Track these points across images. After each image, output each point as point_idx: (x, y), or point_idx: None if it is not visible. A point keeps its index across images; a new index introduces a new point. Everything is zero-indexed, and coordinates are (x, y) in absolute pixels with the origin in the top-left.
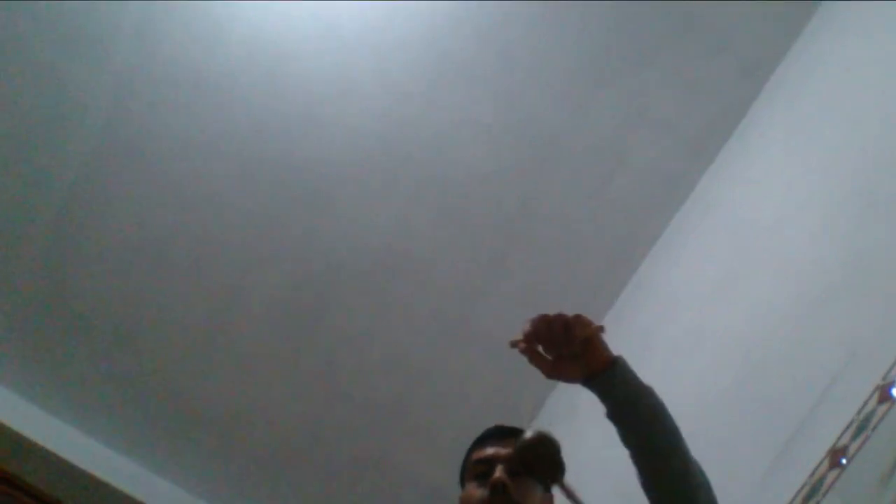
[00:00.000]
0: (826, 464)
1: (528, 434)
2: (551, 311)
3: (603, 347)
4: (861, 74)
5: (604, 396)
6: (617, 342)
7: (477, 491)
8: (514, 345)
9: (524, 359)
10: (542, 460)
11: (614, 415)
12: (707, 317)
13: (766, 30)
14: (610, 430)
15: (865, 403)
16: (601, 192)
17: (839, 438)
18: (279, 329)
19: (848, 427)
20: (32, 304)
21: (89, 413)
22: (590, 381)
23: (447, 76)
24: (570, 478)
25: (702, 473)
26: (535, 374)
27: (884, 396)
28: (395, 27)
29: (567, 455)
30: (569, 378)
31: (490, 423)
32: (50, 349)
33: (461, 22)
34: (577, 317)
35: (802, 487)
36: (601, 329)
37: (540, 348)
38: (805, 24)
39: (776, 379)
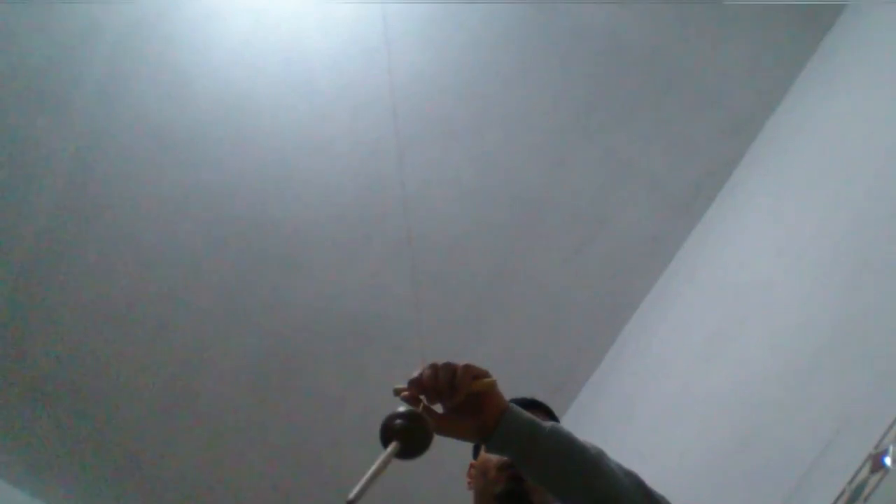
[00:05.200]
0: None
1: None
2: (530, 377)
3: (497, 400)
4: (852, 132)
5: (502, 450)
6: (599, 408)
7: (494, 456)
8: (397, 392)
9: None
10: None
11: (522, 470)
12: (692, 382)
13: (755, 86)
14: None
15: (858, 472)
16: (582, 253)
17: None
18: (247, 394)
19: (840, 496)
20: None
21: (50, 483)
22: (484, 439)
23: (423, 133)
24: None
25: (641, 493)
26: None
27: (876, 465)
28: (370, 82)
29: None
30: (458, 435)
31: (464, 491)
32: (7, 417)
33: (437, 77)
34: (467, 367)
35: None
36: (493, 383)
37: (426, 401)
38: (794, 80)
39: (766, 447)
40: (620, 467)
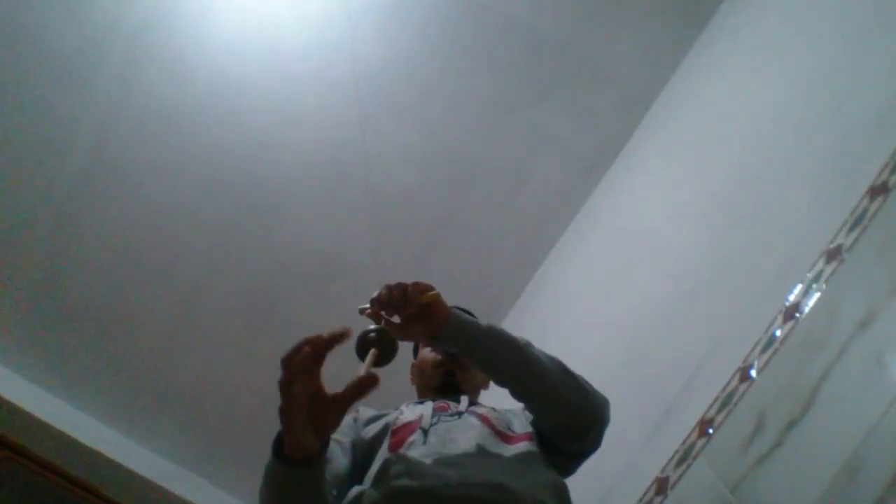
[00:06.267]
0: (696, 433)
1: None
2: (465, 305)
3: (442, 308)
4: (725, 106)
5: (449, 347)
6: (519, 331)
7: (430, 354)
8: (362, 311)
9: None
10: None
11: (467, 360)
12: (595, 310)
13: (647, 68)
14: None
15: (728, 382)
16: (507, 206)
17: (707, 412)
18: (238, 318)
19: (714, 402)
20: (32, 299)
21: (79, 390)
22: (434, 339)
23: (378, 108)
24: None
25: (562, 370)
26: None
27: (744, 377)
28: (335, 68)
29: None
30: (414, 338)
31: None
32: (46, 337)
33: (389, 63)
34: (415, 283)
35: (676, 453)
36: (437, 295)
37: (385, 315)
38: (679, 64)
39: (654, 362)
40: (544, 353)
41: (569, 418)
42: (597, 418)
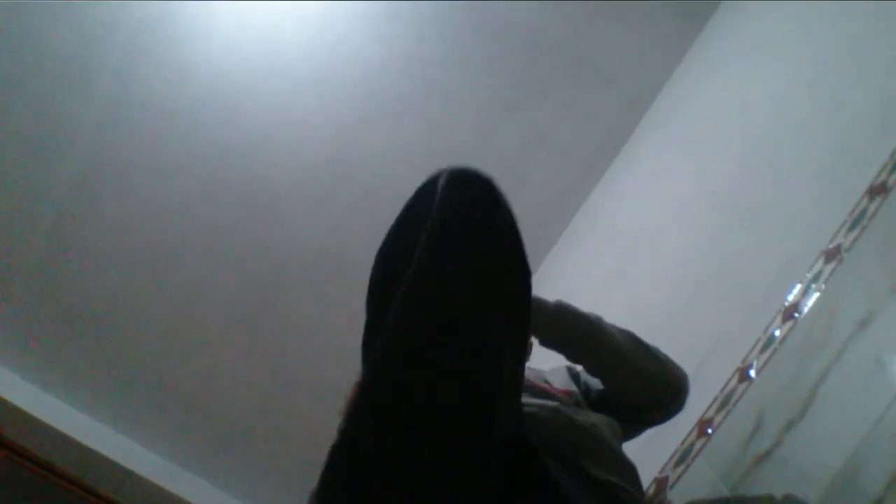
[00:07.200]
0: (695, 433)
1: None
2: None
3: None
4: (724, 106)
5: None
6: None
7: None
8: None
9: None
10: None
11: (537, 339)
12: (595, 310)
13: (646, 68)
14: None
15: (727, 382)
16: None
17: (706, 412)
18: (236, 320)
19: (713, 402)
20: (32, 299)
21: (78, 390)
22: None
23: (378, 108)
24: None
25: (637, 343)
26: None
27: (743, 377)
28: (335, 68)
29: None
30: None
31: None
32: (46, 337)
33: (390, 63)
34: None
35: (675, 453)
36: None
37: None
38: (678, 63)
39: None
40: (615, 326)
41: (650, 391)
42: (679, 390)
